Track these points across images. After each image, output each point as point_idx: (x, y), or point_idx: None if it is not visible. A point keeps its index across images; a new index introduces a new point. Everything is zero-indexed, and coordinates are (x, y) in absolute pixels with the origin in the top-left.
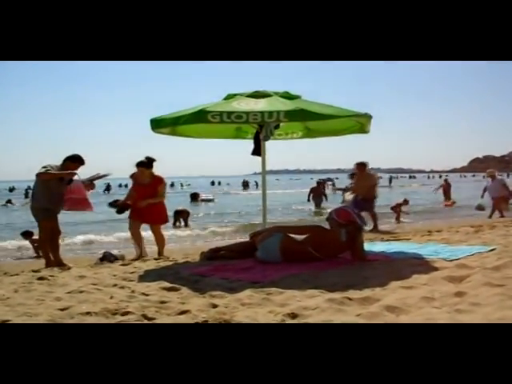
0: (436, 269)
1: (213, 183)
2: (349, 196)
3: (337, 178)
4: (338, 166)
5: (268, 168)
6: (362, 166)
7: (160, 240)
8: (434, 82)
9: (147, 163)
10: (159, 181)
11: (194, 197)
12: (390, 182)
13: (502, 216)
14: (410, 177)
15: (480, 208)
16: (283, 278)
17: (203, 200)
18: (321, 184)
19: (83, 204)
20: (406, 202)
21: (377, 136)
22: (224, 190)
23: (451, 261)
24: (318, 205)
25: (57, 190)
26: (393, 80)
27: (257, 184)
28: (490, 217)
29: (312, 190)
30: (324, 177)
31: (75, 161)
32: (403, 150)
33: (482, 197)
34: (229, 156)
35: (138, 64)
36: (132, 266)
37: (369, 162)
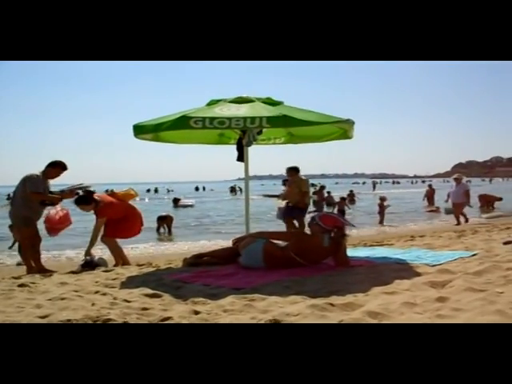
0: (418, 274)
1: (197, 189)
2: (281, 203)
3: (319, 184)
4: (322, 172)
5: (252, 173)
6: (293, 171)
7: (114, 252)
8: (419, 87)
9: (86, 199)
10: (100, 214)
11: (176, 202)
12: (374, 187)
13: (467, 221)
14: (394, 182)
15: (449, 212)
16: (266, 284)
17: (183, 205)
18: (322, 189)
19: (52, 231)
20: (383, 199)
21: (361, 141)
22: (209, 195)
23: (434, 266)
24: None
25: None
26: (377, 85)
27: (240, 189)
28: (458, 224)
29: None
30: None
31: (56, 166)
32: (387, 156)
33: (447, 201)
34: (213, 161)
35: (122, 66)
36: (114, 273)
37: (299, 166)
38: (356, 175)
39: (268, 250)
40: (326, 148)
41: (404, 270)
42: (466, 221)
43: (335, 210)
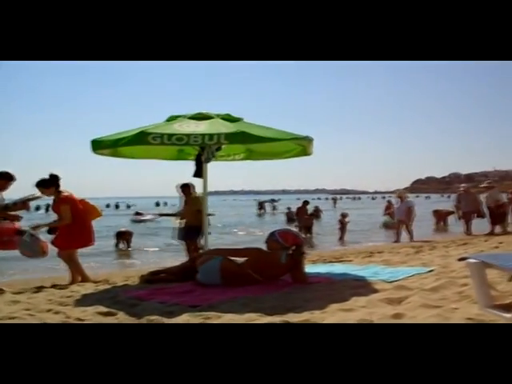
0: (375, 290)
1: (157, 204)
2: (177, 222)
3: (279, 199)
4: (283, 187)
5: (214, 189)
6: (186, 188)
7: (71, 268)
8: (379, 104)
9: (46, 182)
10: (62, 201)
11: (136, 217)
12: (335, 203)
13: (411, 238)
14: (355, 198)
15: (386, 226)
16: (222, 302)
17: (142, 220)
18: (306, 204)
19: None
20: (344, 215)
21: (322, 157)
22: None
23: (391, 282)
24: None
25: None
26: (336, 101)
27: None
28: (396, 241)
29: (298, 211)
30: (268, 198)
31: (2, 177)
32: (348, 172)
33: (384, 215)
34: (171, 177)
35: (84, 79)
36: (69, 290)
37: (193, 183)
38: (317, 191)
39: (225, 267)
40: (287, 164)
41: (361, 286)
42: (411, 238)
43: (293, 227)
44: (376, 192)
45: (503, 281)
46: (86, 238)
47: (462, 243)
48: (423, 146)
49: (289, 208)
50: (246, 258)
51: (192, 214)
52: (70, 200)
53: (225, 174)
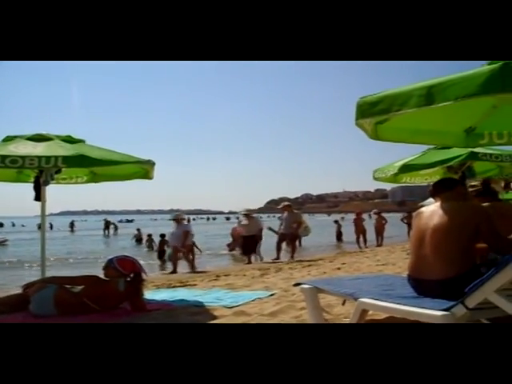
0: (214, 317)
1: (1, 225)
2: None
3: (132, 220)
4: (137, 207)
5: (66, 209)
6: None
7: None
8: (228, 122)
9: None
10: None
11: None
12: (189, 221)
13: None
14: (209, 218)
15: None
16: None
17: None
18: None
19: None
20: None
21: (176, 178)
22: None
23: (231, 308)
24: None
25: None
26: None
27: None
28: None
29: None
30: (123, 218)
31: None
32: (203, 192)
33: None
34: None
35: None
36: None
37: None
38: (172, 211)
39: (59, 296)
40: (139, 184)
41: (201, 312)
42: (192, 268)
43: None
44: (231, 212)
45: (339, 304)
46: None
47: (308, 265)
48: (276, 168)
49: (138, 230)
50: (82, 286)
51: None
52: None
53: (78, 194)
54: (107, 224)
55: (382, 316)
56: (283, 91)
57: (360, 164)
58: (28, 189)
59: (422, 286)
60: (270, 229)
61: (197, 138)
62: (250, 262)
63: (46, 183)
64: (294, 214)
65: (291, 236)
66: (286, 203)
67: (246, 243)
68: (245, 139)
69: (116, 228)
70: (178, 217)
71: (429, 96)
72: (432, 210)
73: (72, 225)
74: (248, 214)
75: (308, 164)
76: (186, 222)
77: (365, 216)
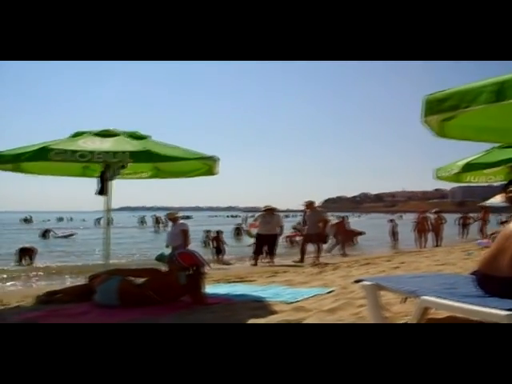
0: (274, 312)
1: (61, 219)
2: None
3: (190, 217)
4: (195, 204)
5: (126, 204)
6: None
7: None
8: (292, 120)
9: None
10: None
11: (45, 233)
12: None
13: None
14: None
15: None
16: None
17: (60, 236)
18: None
19: None
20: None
21: (233, 175)
22: (84, 226)
23: (290, 303)
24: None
25: None
26: (244, 120)
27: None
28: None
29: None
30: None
31: None
32: (260, 190)
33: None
34: (75, 192)
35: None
36: None
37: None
38: (229, 208)
39: (123, 287)
40: (199, 181)
41: (260, 307)
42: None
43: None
44: (288, 210)
45: (397, 302)
46: None
47: (365, 263)
48: (334, 166)
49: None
50: (145, 279)
51: None
52: None
53: (137, 190)
54: (157, 220)
55: (442, 315)
56: (345, 91)
57: (420, 164)
58: (92, 184)
59: (490, 283)
60: (295, 228)
61: (258, 136)
62: (256, 264)
63: (112, 178)
64: (317, 211)
65: (318, 237)
66: (308, 200)
67: (264, 243)
68: (304, 138)
69: (166, 225)
70: (173, 216)
71: (501, 92)
72: None
73: (142, 221)
74: (272, 209)
75: (367, 162)
76: (182, 222)
77: None
